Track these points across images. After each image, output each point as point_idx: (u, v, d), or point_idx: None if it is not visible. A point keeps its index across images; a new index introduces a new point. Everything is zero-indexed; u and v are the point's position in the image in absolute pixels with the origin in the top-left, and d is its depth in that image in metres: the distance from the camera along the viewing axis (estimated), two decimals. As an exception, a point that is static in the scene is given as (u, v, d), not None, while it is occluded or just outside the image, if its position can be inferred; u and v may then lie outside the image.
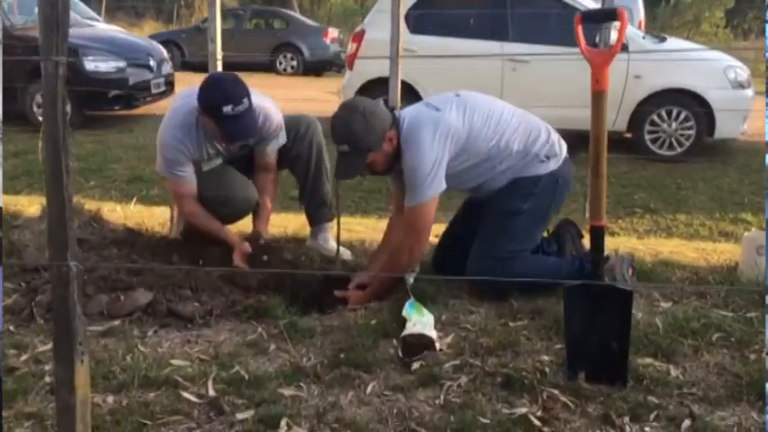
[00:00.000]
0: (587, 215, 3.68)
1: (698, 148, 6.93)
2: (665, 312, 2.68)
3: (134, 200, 4.70)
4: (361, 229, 4.11)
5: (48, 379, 2.11)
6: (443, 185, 2.67)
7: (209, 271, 2.84)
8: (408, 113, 2.73)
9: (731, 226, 5.28)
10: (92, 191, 5.93)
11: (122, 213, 4.26)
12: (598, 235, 2.11)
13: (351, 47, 7.64)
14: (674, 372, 2.26)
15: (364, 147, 2.64)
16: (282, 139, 3.18)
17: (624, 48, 6.73)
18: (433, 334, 2.34)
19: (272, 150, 3.17)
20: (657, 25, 17.45)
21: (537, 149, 2.77)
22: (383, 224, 4.49)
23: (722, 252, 3.87)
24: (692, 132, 6.87)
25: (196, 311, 2.59)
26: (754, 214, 5.44)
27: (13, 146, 6.97)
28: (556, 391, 2.12)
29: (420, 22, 7.29)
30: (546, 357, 2.33)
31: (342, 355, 2.29)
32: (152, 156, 6.78)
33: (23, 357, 2.28)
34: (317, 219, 3.33)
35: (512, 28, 7.18)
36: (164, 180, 3.29)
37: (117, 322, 2.53)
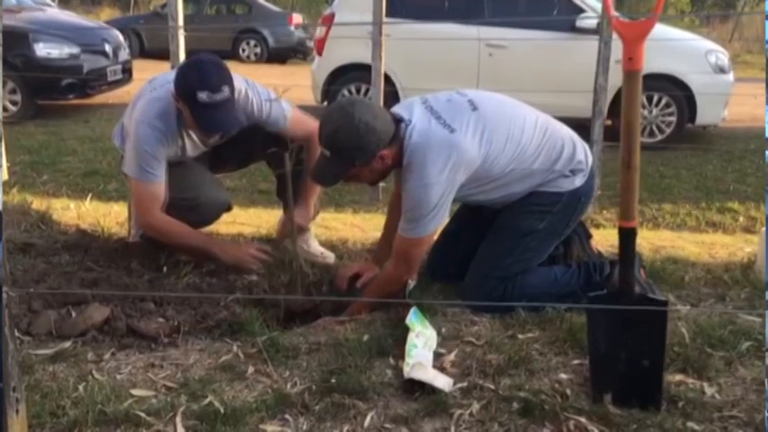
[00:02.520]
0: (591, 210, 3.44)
1: (678, 134, 6.76)
2: (686, 318, 2.43)
3: (89, 196, 4.31)
4: (338, 226, 3.80)
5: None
6: (445, 218, 2.36)
7: (175, 280, 2.51)
8: (418, 126, 2.31)
9: (718, 215, 5.10)
10: (43, 186, 5.51)
11: (76, 212, 3.88)
12: (629, 238, 1.82)
13: (319, 30, 7.28)
14: (708, 390, 2.00)
15: (348, 160, 2.28)
16: (287, 107, 2.77)
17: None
18: (436, 375, 1.99)
19: (288, 123, 2.75)
20: (624, 11, 17.35)
21: (560, 167, 2.44)
22: (359, 219, 4.25)
23: (722, 245, 3.68)
24: (672, 119, 6.69)
25: (161, 329, 2.24)
26: (740, 203, 5.27)
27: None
28: (582, 419, 1.83)
29: (393, 5, 6.96)
30: (564, 376, 2.05)
31: (332, 380, 1.97)
32: (109, 147, 6.43)
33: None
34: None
35: (488, 11, 6.89)
36: (128, 180, 2.89)
37: (68, 344, 2.17)
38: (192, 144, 2.74)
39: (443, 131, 2.28)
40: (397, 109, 2.42)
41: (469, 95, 2.43)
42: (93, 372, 2.03)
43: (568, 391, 1.96)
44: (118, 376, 2.02)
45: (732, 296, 2.65)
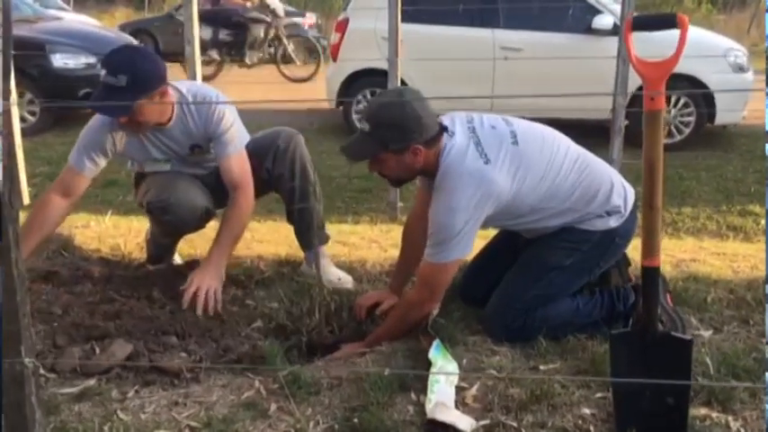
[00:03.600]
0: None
1: (697, 134, 6.70)
2: (710, 344, 2.41)
3: (109, 213, 4.33)
4: (356, 241, 3.79)
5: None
6: (470, 248, 2.34)
7: (195, 312, 2.52)
8: (456, 147, 2.29)
9: (739, 219, 5.07)
10: (63, 199, 5.58)
11: (96, 230, 3.91)
12: (652, 277, 1.81)
13: (334, 37, 7.27)
14: (734, 424, 1.98)
15: (384, 139, 2.27)
16: (243, 142, 2.79)
17: (619, 31, 6.46)
18: (459, 417, 1.98)
19: (232, 155, 2.71)
20: (638, 1, 17.15)
21: (594, 208, 2.40)
22: (378, 232, 4.24)
23: (744, 257, 3.63)
24: (691, 119, 6.63)
25: (183, 364, 2.25)
26: (762, 205, 5.22)
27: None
28: (606, 458, 1.83)
29: (407, 9, 6.93)
30: (587, 410, 2.04)
31: (354, 419, 1.98)
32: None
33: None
34: (310, 243, 2.99)
35: (503, 15, 6.85)
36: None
37: (93, 381, 2.19)
38: (155, 145, 2.76)
39: (479, 161, 2.26)
40: (442, 117, 2.40)
41: (514, 126, 2.40)
42: (118, 411, 2.05)
43: (592, 428, 1.96)
44: (142, 416, 2.04)
45: (756, 319, 2.62)
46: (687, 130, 6.67)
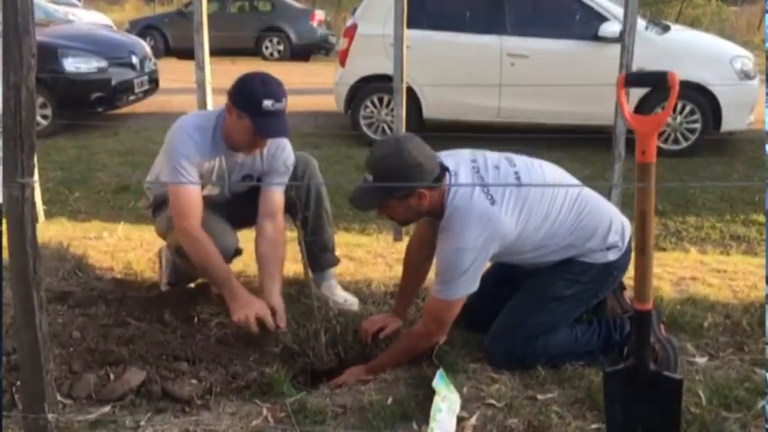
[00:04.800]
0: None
1: (703, 141, 6.73)
2: (704, 373, 2.48)
3: (121, 224, 4.43)
4: (362, 256, 3.87)
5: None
6: (475, 287, 2.41)
7: (206, 335, 2.61)
8: (462, 190, 2.36)
9: (742, 228, 5.12)
10: (77, 204, 5.69)
11: (110, 242, 4.01)
12: (645, 320, 1.89)
13: (342, 42, 7.33)
14: (724, 457, 2.06)
15: (388, 189, 2.34)
16: (287, 177, 2.90)
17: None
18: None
19: (279, 187, 2.87)
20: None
21: (593, 245, 2.49)
22: (384, 244, 4.31)
23: (744, 274, 3.69)
24: (697, 126, 6.66)
25: (194, 391, 2.35)
26: (765, 215, 5.26)
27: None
28: (599, 491, 1.91)
29: (414, 16, 6.98)
30: (582, 442, 2.12)
31: (358, 450, 2.07)
32: (138, 162, 6.56)
33: (4, 464, 2.05)
34: (320, 265, 3.08)
35: (510, 21, 6.89)
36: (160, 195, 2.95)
37: (107, 408, 2.28)
38: (221, 169, 2.81)
39: (485, 203, 2.33)
40: (446, 156, 2.47)
41: (518, 166, 2.47)
42: (132, 440, 2.14)
43: (586, 461, 2.04)
44: (155, 444, 2.14)
45: (751, 346, 2.68)
46: (693, 137, 6.70)
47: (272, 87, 2.62)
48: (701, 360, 2.60)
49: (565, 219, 2.44)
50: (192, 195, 2.67)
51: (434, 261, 2.48)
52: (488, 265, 2.58)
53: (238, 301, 2.65)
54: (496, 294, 2.66)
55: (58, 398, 2.18)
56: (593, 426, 2.19)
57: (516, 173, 2.44)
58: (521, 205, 2.38)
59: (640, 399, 1.94)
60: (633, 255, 1.90)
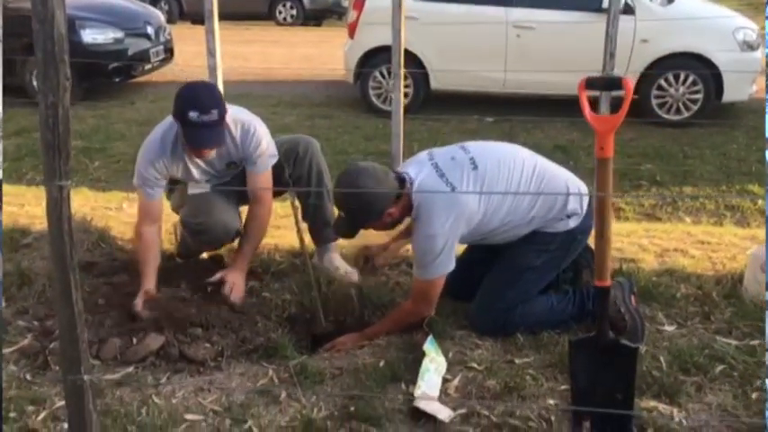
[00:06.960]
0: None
1: (705, 111, 6.85)
2: (670, 340, 2.72)
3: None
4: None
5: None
6: (452, 265, 2.68)
7: (218, 303, 2.89)
8: (424, 184, 2.64)
9: (737, 198, 5.26)
10: (97, 173, 5.97)
11: (130, 212, 4.27)
12: (603, 295, 2.12)
13: (352, 14, 7.48)
14: (677, 416, 2.31)
15: (358, 220, 2.71)
16: (271, 162, 3.12)
17: (631, 11, 6.59)
18: (440, 409, 2.32)
19: (260, 174, 3.09)
20: None
21: (553, 215, 2.73)
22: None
23: (727, 246, 3.86)
24: (699, 96, 6.78)
25: (207, 354, 2.63)
26: (760, 185, 5.42)
27: (14, 124, 6.93)
28: (561, 445, 2.17)
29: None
30: (551, 401, 2.38)
31: (351, 407, 2.34)
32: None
33: (41, 416, 2.34)
34: (322, 239, 3.35)
35: (516, -7, 7.00)
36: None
37: (131, 368, 2.58)
38: (197, 166, 3.06)
39: (446, 189, 2.61)
40: (407, 164, 2.78)
41: (472, 152, 2.73)
42: (153, 396, 2.43)
43: (553, 418, 2.30)
44: (173, 400, 2.42)
45: (716, 315, 2.91)
46: (695, 107, 6.81)
47: (201, 100, 2.79)
48: (670, 328, 2.84)
49: (525, 191, 2.69)
50: (146, 204, 3.02)
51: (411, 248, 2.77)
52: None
53: (139, 298, 2.89)
54: (474, 266, 2.92)
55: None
56: (563, 387, 2.45)
57: (471, 158, 2.70)
58: (480, 185, 2.64)
59: (600, 365, 2.19)
60: (593, 228, 2.14)
